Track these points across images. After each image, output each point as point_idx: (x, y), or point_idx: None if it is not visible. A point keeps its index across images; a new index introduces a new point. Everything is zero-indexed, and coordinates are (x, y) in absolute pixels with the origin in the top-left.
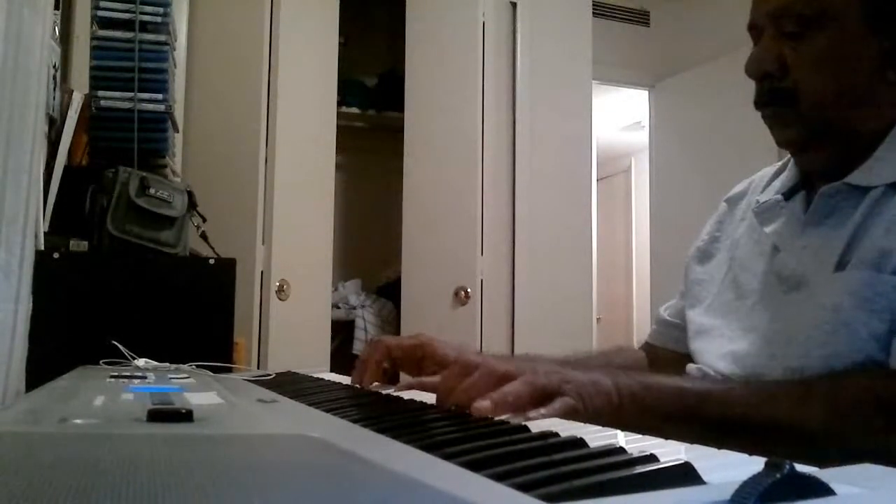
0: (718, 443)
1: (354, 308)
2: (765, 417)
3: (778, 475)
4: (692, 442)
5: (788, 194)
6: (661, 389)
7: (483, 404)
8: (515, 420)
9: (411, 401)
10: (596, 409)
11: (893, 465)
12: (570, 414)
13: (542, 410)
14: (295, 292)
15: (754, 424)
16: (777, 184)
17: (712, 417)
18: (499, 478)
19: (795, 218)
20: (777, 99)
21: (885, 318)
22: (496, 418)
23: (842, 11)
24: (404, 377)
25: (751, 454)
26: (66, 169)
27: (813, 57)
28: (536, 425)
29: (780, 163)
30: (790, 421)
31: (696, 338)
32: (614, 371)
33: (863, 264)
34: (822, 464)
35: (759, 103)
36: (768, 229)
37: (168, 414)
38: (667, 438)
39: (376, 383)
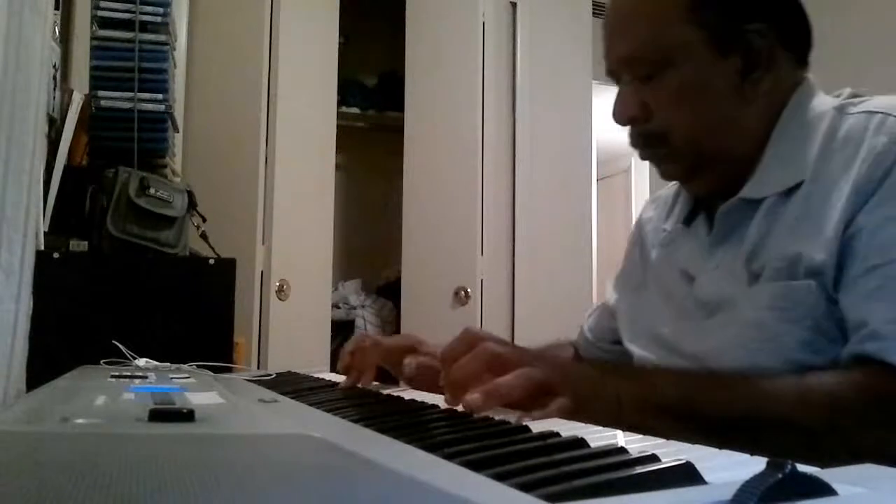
0: (719, 436)
1: (354, 308)
2: (764, 409)
3: (779, 475)
4: (688, 432)
5: (688, 220)
6: (666, 380)
7: (473, 398)
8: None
9: (412, 401)
10: (594, 412)
11: (894, 465)
12: (566, 415)
13: (537, 413)
14: (295, 292)
15: (755, 414)
16: (677, 210)
17: (714, 411)
18: (500, 478)
19: (700, 242)
20: (649, 141)
21: (807, 324)
22: (496, 418)
23: (685, 46)
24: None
25: (752, 449)
26: (66, 169)
27: (670, 95)
28: (537, 425)
29: (676, 185)
30: (791, 412)
31: None
32: (616, 370)
33: (776, 274)
34: (823, 464)
35: (634, 146)
36: (678, 258)
37: (169, 414)
38: (666, 428)
39: (376, 383)
